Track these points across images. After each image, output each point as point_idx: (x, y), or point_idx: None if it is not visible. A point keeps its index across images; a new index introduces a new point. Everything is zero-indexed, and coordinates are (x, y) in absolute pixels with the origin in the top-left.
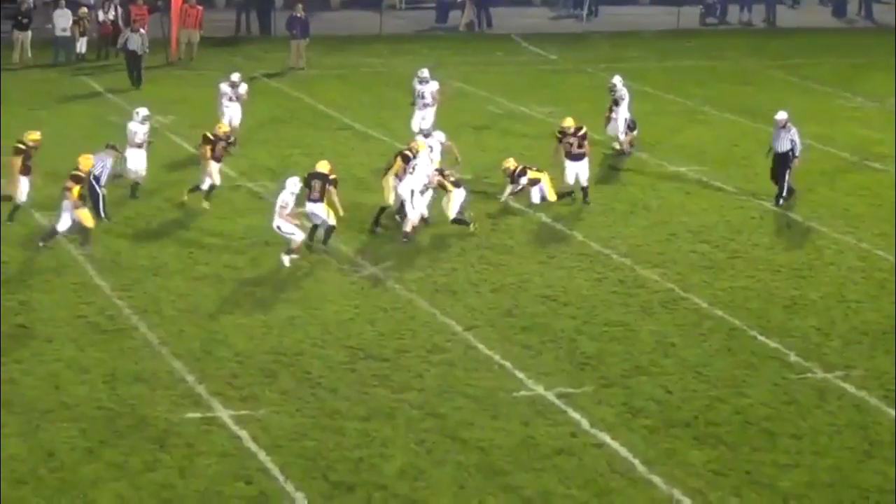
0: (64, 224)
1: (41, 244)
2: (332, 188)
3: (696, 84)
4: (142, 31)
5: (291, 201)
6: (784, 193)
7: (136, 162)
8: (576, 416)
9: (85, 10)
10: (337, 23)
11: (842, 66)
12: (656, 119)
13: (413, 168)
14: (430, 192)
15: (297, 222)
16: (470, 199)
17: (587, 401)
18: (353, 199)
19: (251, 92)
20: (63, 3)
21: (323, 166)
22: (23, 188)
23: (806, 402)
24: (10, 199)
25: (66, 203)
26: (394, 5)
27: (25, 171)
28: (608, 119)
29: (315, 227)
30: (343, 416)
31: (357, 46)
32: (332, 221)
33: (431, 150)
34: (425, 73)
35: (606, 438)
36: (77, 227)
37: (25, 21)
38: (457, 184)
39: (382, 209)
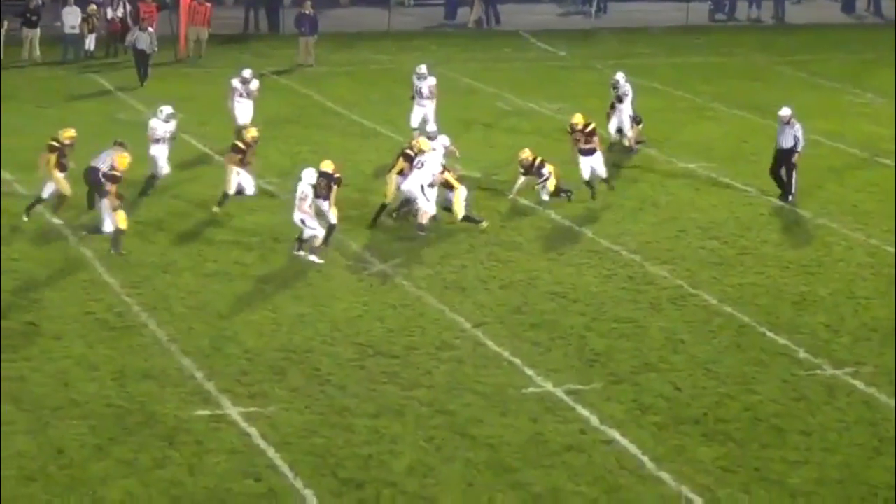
0: (108, 225)
1: (84, 233)
2: (335, 188)
3: (704, 80)
4: (150, 29)
5: (310, 192)
6: (792, 190)
7: (159, 158)
8: (585, 412)
9: (94, 7)
10: (345, 20)
11: (851, 62)
12: (665, 115)
13: (421, 164)
14: (436, 189)
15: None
16: (469, 197)
17: (596, 397)
18: (362, 195)
19: (260, 89)
20: (72, 0)
21: (327, 165)
22: (50, 186)
23: (815, 399)
24: (63, 199)
25: (104, 203)
26: (402, 2)
27: (61, 168)
28: (609, 116)
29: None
30: (352, 413)
31: (365, 43)
32: (334, 220)
33: (435, 151)
34: (423, 69)
35: (615, 435)
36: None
37: (34, 18)
38: (460, 180)
39: (383, 206)
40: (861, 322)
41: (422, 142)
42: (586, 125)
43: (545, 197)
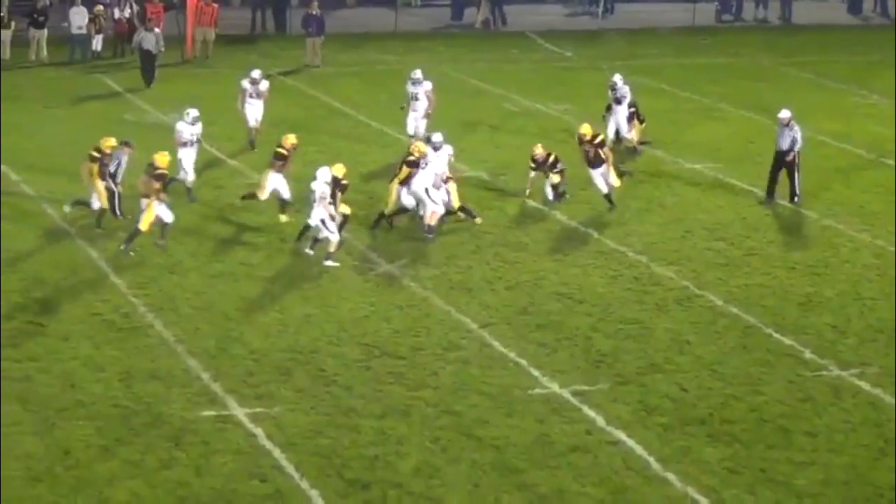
0: (168, 216)
1: (160, 243)
2: (339, 193)
3: (711, 81)
4: (156, 29)
5: (328, 191)
6: (797, 191)
7: (185, 162)
8: (591, 413)
9: (101, 7)
10: (352, 20)
11: (857, 63)
12: (671, 116)
13: (425, 165)
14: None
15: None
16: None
17: (602, 398)
18: (368, 196)
19: (269, 89)
20: (79, 0)
21: (338, 170)
22: (96, 197)
23: (821, 400)
24: (86, 205)
25: (156, 204)
26: (409, 3)
27: (102, 177)
28: (605, 118)
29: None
30: (358, 414)
31: (372, 44)
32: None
33: (436, 151)
34: (418, 73)
35: (621, 436)
36: (160, 221)
37: (42, 19)
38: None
39: (382, 214)
40: (867, 323)
41: (419, 146)
42: (594, 136)
43: (551, 197)
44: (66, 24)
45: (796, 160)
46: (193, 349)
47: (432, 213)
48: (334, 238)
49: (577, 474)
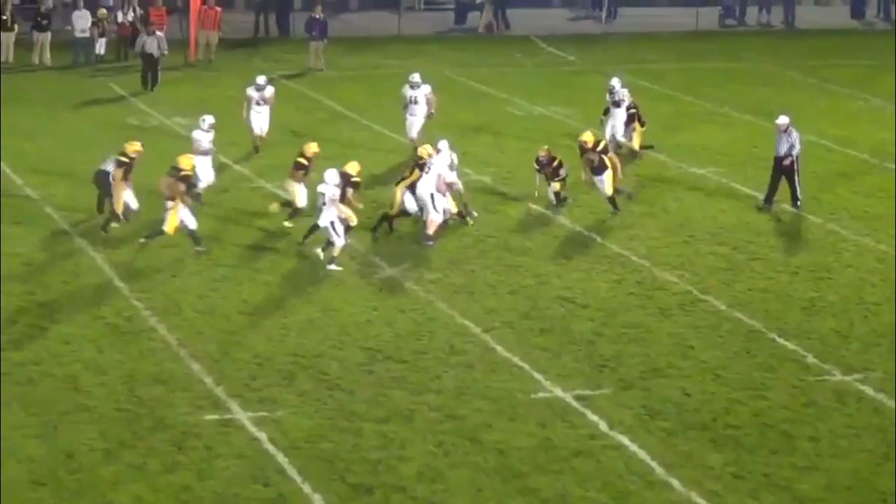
0: (192, 222)
1: (197, 249)
2: (350, 190)
3: (714, 85)
4: (158, 33)
5: (338, 192)
6: (798, 196)
7: (203, 170)
8: (594, 418)
9: (104, 11)
10: (355, 24)
11: (860, 68)
12: (675, 120)
13: (429, 169)
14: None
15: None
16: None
17: (605, 403)
18: (371, 200)
19: (275, 95)
20: (82, 4)
21: (352, 167)
22: (127, 198)
23: (824, 405)
24: (115, 216)
25: (181, 207)
26: (412, 6)
27: (126, 179)
28: (602, 122)
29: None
30: (361, 418)
31: (376, 48)
32: (353, 222)
33: (440, 154)
34: (416, 77)
35: (625, 440)
36: (185, 227)
37: (45, 22)
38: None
39: (385, 216)
40: (870, 328)
41: (426, 148)
42: (596, 143)
43: (554, 201)
44: (69, 28)
45: (795, 166)
46: (196, 353)
47: (431, 221)
48: (339, 242)
49: (581, 479)
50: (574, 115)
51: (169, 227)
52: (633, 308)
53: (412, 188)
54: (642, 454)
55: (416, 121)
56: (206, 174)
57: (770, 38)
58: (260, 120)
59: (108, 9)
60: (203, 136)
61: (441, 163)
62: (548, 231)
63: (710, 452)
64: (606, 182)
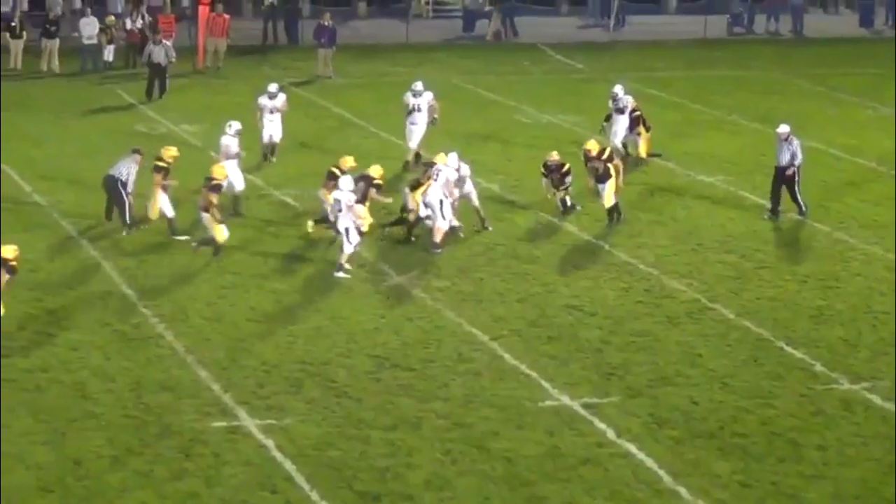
0: (224, 234)
1: (194, 245)
2: (373, 191)
3: (722, 94)
4: (166, 41)
5: (354, 198)
6: (801, 204)
7: (233, 175)
8: (602, 426)
9: (112, 18)
10: (364, 31)
11: (869, 76)
12: (683, 128)
13: (437, 174)
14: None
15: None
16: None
17: (613, 411)
18: (379, 207)
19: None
20: (90, 11)
21: (374, 170)
22: (163, 203)
23: (832, 414)
24: (146, 221)
25: (205, 216)
26: (421, 14)
27: (163, 186)
28: (604, 129)
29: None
30: (369, 426)
31: (384, 55)
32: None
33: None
34: (419, 85)
35: (632, 449)
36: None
37: (53, 29)
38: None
39: (403, 220)
40: (878, 336)
41: (439, 157)
42: (601, 152)
43: (561, 208)
44: (77, 35)
45: (796, 176)
46: (204, 360)
47: (438, 228)
48: (348, 249)
49: (588, 487)
50: (582, 122)
51: (220, 236)
52: (641, 316)
53: (424, 195)
54: (650, 462)
55: (417, 129)
56: (237, 180)
57: (778, 46)
58: (272, 128)
59: (117, 16)
60: (231, 142)
61: (447, 172)
62: (556, 239)
63: (717, 461)
64: (607, 191)
